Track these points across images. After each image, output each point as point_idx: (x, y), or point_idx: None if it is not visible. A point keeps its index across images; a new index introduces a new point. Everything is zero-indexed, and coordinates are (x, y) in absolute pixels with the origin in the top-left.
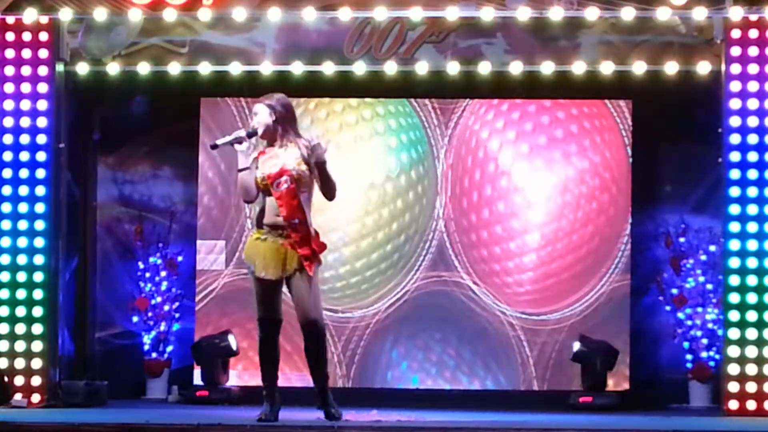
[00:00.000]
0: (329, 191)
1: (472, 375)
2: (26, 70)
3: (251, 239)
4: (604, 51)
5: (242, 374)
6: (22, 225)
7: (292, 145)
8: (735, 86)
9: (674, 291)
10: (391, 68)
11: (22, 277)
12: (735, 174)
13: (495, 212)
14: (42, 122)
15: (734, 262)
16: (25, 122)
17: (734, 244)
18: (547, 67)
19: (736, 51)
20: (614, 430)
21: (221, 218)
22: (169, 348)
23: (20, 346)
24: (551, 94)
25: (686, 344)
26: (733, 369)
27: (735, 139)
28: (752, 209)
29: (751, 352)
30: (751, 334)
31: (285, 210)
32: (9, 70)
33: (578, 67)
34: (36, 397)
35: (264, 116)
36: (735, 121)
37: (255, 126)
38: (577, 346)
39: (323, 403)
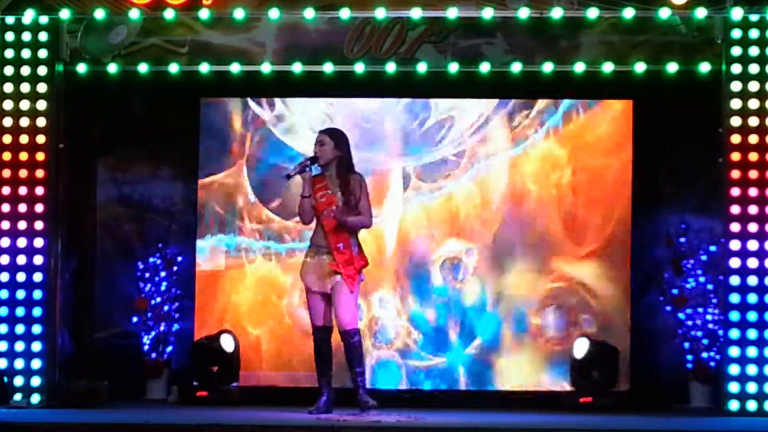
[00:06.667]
0: (363, 224)
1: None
2: (26, 70)
3: (306, 255)
4: (604, 51)
5: (243, 375)
6: (22, 225)
7: (344, 177)
8: (735, 86)
9: (675, 291)
10: (391, 68)
11: (21, 277)
12: (736, 174)
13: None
14: (41, 122)
15: (735, 263)
16: (24, 122)
17: (735, 244)
18: (547, 67)
19: (736, 51)
20: (614, 430)
21: None
22: (169, 348)
23: (20, 346)
24: (551, 94)
25: (686, 344)
26: (733, 369)
27: (735, 138)
28: (753, 209)
29: (752, 352)
30: (752, 334)
31: (333, 236)
32: (8, 70)
33: (578, 67)
34: (36, 397)
35: (330, 148)
36: (736, 121)
37: (317, 154)
38: (578, 346)
39: (357, 396)
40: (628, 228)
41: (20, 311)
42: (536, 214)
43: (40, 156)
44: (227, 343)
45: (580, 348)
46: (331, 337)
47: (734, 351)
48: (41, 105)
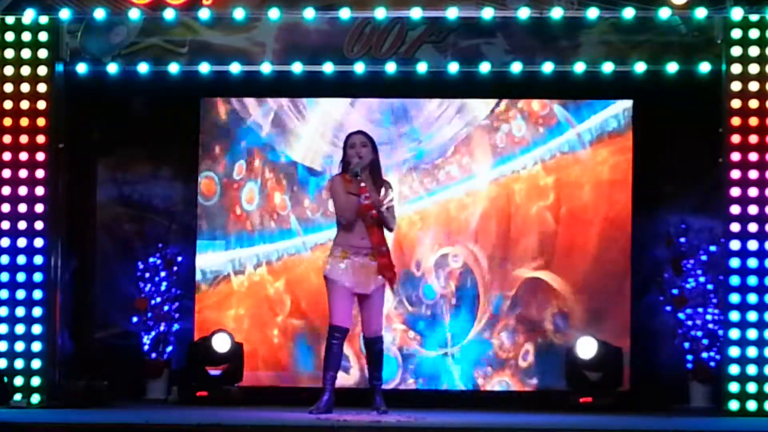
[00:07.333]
0: (389, 225)
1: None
2: (26, 70)
3: (336, 257)
4: (604, 51)
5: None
6: (22, 225)
7: (379, 181)
8: (735, 86)
9: (675, 291)
10: (391, 68)
11: (21, 277)
12: (735, 174)
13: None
14: (41, 122)
15: (735, 263)
16: (24, 122)
17: (735, 244)
18: (547, 67)
19: (736, 51)
20: (614, 430)
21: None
22: (169, 348)
23: (20, 346)
24: (551, 94)
25: (687, 344)
26: (733, 369)
27: (736, 138)
28: (753, 209)
29: (752, 352)
30: (752, 334)
31: (375, 238)
32: (8, 70)
33: (578, 67)
34: (36, 397)
35: (370, 150)
36: (735, 121)
37: (360, 155)
38: (583, 346)
39: (373, 399)
40: (628, 228)
41: (20, 311)
42: (533, 215)
43: (40, 156)
44: (221, 343)
45: (586, 348)
46: (345, 339)
47: (734, 351)
48: (41, 105)
